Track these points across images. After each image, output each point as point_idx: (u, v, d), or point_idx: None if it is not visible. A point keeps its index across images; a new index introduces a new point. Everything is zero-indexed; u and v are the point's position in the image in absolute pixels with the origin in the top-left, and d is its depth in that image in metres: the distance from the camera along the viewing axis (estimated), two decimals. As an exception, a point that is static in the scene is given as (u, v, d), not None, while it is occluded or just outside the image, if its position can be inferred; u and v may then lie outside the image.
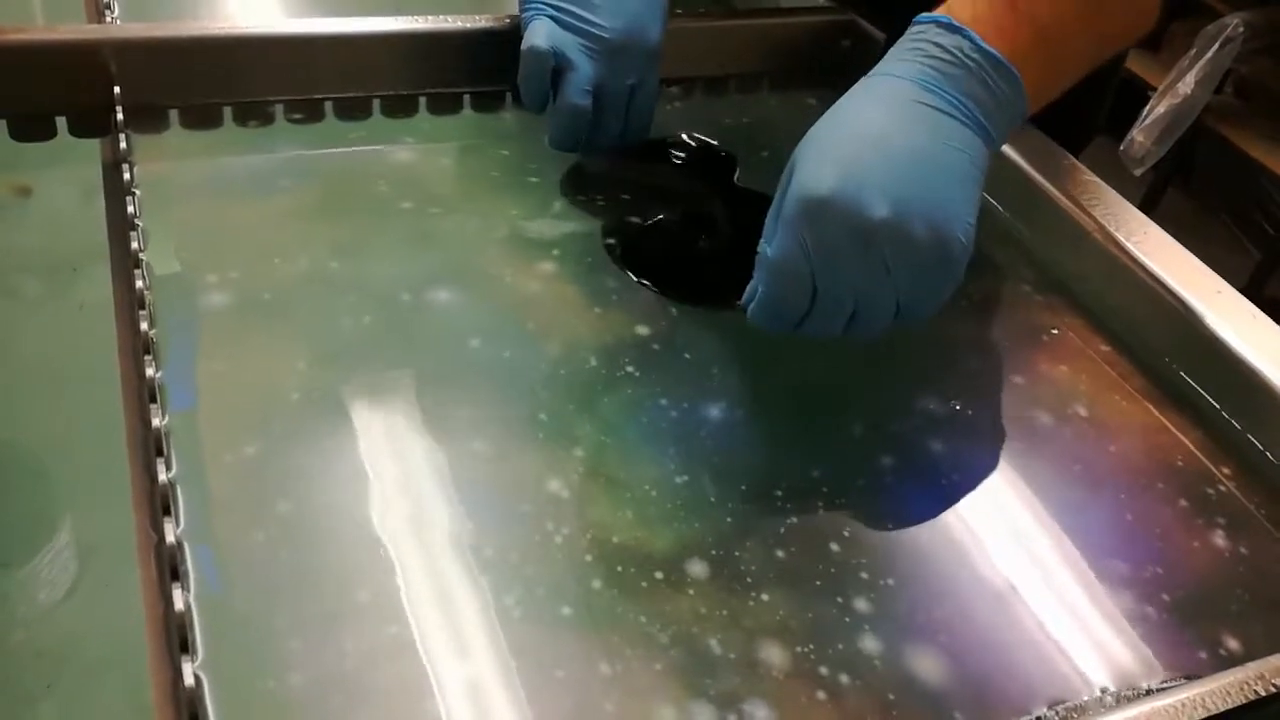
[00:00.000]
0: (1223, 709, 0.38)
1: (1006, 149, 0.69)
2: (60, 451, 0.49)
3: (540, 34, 0.62)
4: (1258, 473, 0.54)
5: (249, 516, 0.43)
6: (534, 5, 0.64)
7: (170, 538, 0.38)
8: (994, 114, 0.51)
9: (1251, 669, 0.40)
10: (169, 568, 0.37)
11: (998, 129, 0.52)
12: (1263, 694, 0.39)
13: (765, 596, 0.44)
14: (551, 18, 0.63)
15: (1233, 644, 0.46)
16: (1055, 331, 0.62)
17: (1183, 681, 0.43)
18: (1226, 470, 0.54)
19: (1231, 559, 0.50)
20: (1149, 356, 0.61)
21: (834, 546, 0.47)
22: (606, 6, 0.63)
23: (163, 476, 0.40)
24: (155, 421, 0.42)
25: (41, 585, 0.43)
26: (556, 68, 0.63)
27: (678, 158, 0.70)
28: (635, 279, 0.60)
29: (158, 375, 0.45)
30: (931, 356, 0.60)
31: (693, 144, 0.71)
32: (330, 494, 0.45)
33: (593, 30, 0.63)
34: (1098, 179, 0.68)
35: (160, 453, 0.41)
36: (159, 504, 0.39)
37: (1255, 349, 0.56)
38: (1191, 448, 0.56)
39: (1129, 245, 0.62)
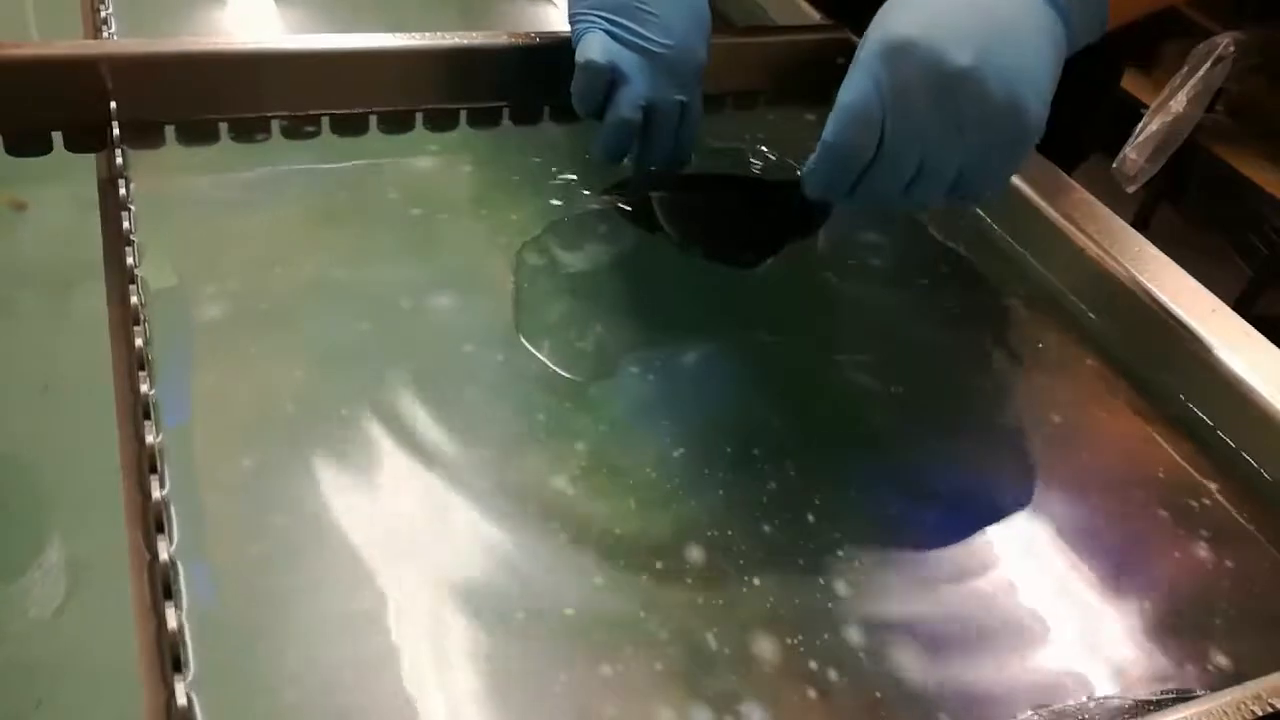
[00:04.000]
0: (1220, 730, 0.38)
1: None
2: (54, 466, 0.48)
3: (596, 48, 0.62)
4: (1250, 488, 0.54)
5: (244, 531, 0.43)
6: (586, 18, 0.64)
7: (164, 555, 0.38)
8: (1076, 7, 0.51)
9: (1249, 688, 0.40)
10: (161, 586, 0.37)
11: (1078, 23, 0.52)
12: (1260, 714, 0.39)
13: (756, 581, 0.45)
14: (606, 31, 0.63)
15: (1220, 659, 0.46)
16: (1040, 345, 0.63)
17: (1174, 694, 0.43)
18: (1215, 485, 0.55)
19: (1218, 572, 0.50)
20: (1141, 371, 0.61)
21: (810, 518, 0.49)
22: (659, 23, 0.63)
23: (156, 494, 0.40)
24: (149, 438, 0.42)
25: (33, 600, 0.43)
26: (610, 81, 0.63)
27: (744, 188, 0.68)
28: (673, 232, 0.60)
29: (152, 391, 0.45)
30: (915, 358, 0.61)
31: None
32: (327, 506, 0.45)
33: (647, 45, 0.63)
34: (1091, 196, 0.69)
35: (154, 470, 0.41)
36: (152, 522, 0.39)
37: (1250, 367, 0.56)
38: (1180, 460, 0.56)
39: (1123, 262, 0.63)
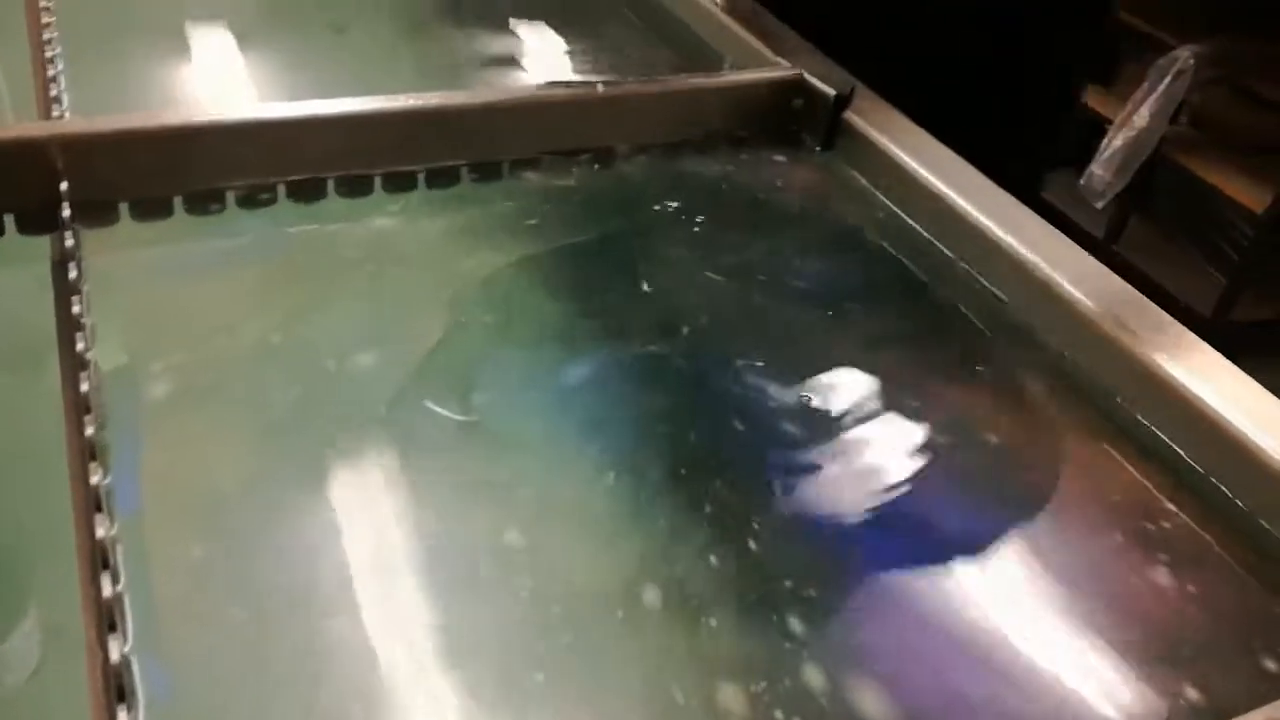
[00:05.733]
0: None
1: (954, 196, 0.70)
2: (26, 534, 0.48)
3: None
4: (1212, 510, 0.54)
5: (200, 624, 0.42)
6: None
7: (115, 656, 0.37)
8: None
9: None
10: (115, 688, 0.36)
11: None
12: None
13: (713, 622, 0.45)
14: None
15: (1191, 692, 0.45)
16: (981, 369, 0.62)
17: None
18: (1176, 507, 0.54)
19: (1182, 598, 0.50)
20: (1099, 396, 0.60)
21: (752, 545, 0.49)
22: None
23: (107, 591, 0.39)
24: (100, 532, 0.41)
25: (7, 668, 0.42)
26: None
27: None
28: None
29: (105, 482, 0.44)
30: (838, 373, 0.60)
31: None
32: (281, 593, 0.44)
33: None
34: (1044, 223, 0.69)
35: (106, 565, 0.40)
36: (105, 621, 0.38)
37: (1214, 389, 0.56)
38: (1143, 481, 0.55)
39: (1073, 284, 0.63)
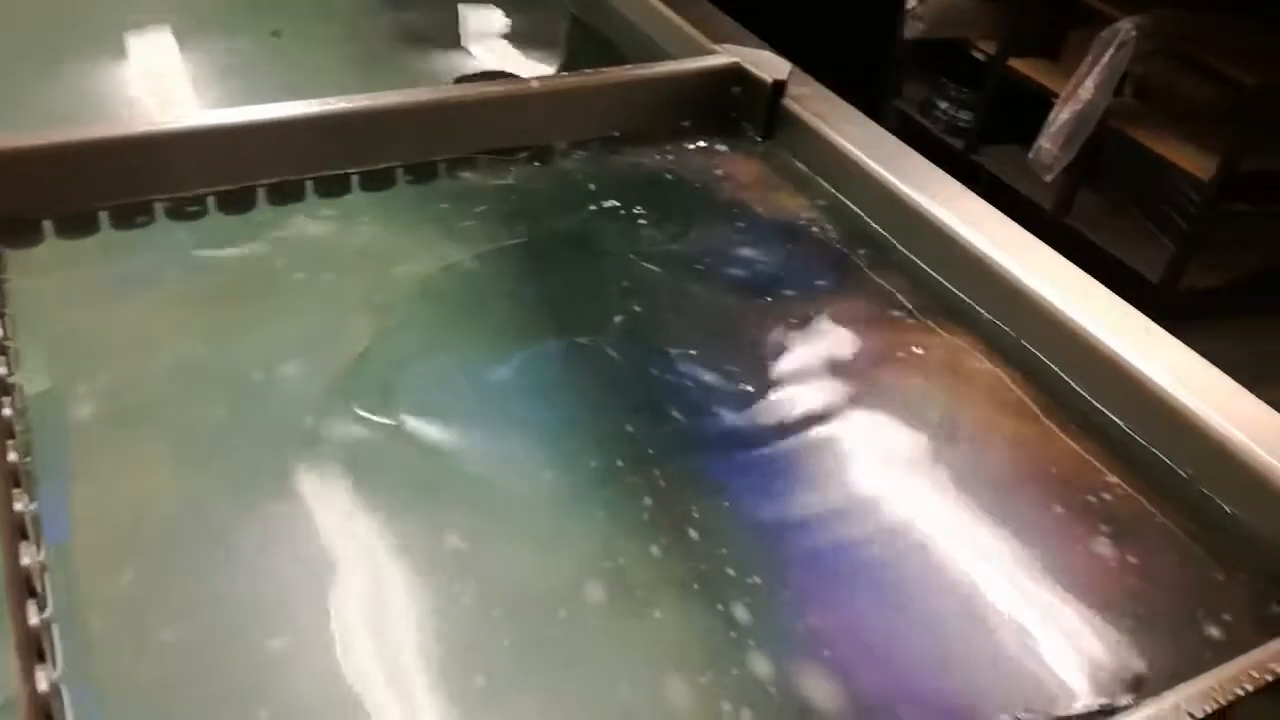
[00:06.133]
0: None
1: (890, 178, 0.70)
2: None
3: None
4: (1153, 481, 0.55)
5: (132, 650, 0.41)
6: None
7: (43, 686, 0.36)
8: None
9: (1182, 691, 0.40)
10: (44, 718, 0.36)
11: None
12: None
13: (657, 613, 0.45)
14: None
15: (1136, 660, 0.46)
16: (920, 350, 0.62)
17: (1097, 709, 0.43)
18: (1116, 479, 0.55)
19: (1123, 569, 0.50)
20: (1043, 374, 0.61)
21: (693, 534, 0.49)
22: None
23: (34, 619, 0.38)
24: (25, 559, 0.40)
25: None
26: None
27: None
28: None
29: (31, 508, 0.43)
30: (771, 360, 0.60)
31: None
32: (215, 613, 0.43)
33: None
34: (983, 202, 0.70)
35: (32, 594, 0.39)
36: (33, 651, 0.38)
37: (1161, 365, 0.57)
38: (1085, 456, 0.56)
39: (1018, 270, 0.63)
